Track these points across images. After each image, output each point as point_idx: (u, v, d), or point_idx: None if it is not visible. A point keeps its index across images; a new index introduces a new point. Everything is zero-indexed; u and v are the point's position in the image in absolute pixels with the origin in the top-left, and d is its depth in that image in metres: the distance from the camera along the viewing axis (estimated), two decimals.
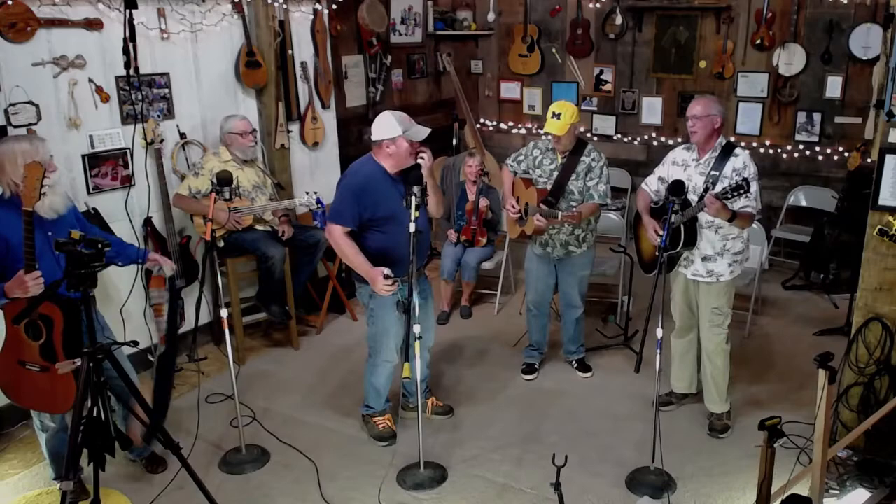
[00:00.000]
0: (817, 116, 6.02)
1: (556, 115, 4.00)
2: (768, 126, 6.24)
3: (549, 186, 4.13)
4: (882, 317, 3.46)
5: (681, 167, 3.77)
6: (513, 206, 4.24)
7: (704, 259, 3.72)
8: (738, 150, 3.62)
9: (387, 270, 3.42)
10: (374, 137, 3.52)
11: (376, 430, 3.91)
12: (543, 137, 4.25)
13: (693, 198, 3.61)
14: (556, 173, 4.14)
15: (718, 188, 3.52)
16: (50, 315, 2.94)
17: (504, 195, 4.40)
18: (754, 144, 6.23)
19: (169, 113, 4.62)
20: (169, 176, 4.57)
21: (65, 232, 2.85)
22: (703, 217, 3.61)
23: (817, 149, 6.06)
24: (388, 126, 3.46)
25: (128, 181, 4.39)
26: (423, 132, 3.50)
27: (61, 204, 3.13)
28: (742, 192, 3.33)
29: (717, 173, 3.58)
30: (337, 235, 3.53)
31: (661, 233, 3.49)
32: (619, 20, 6.66)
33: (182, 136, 4.71)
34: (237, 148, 4.59)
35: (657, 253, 3.49)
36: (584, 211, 3.99)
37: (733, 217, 3.44)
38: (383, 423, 3.92)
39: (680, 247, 3.63)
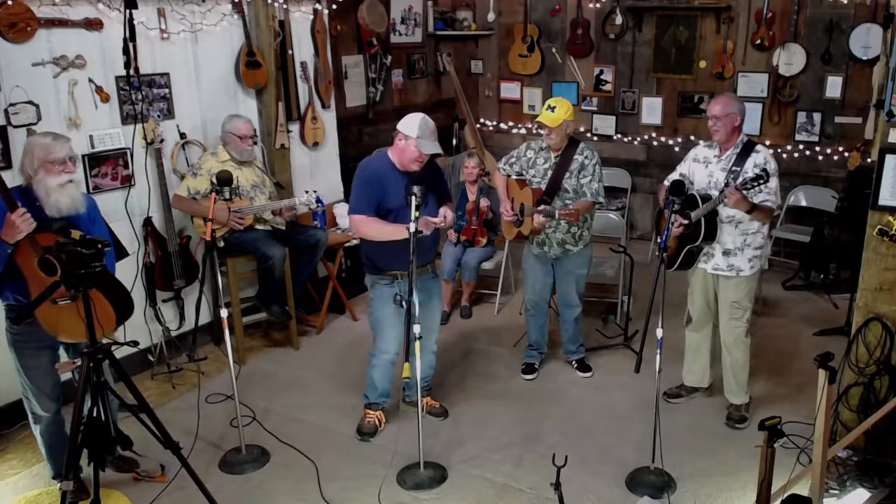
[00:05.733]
0: (817, 116, 6.02)
1: (551, 108, 4.04)
2: (768, 126, 6.23)
3: (543, 186, 4.14)
4: (882, 317, 3.46)
5: (702, 164, 3.84)
6: (507, 211, 4.26)
7: (725, 253, 3.77)
8: (759, 147, 3.70)
9: (412, 227, 3.32)
10: (398, 126, 3.63)
11: (361, 422, 3.96)
12: (540, 140, 4.25)
13: (714, 193, 3.65)
14: (550, 172, 4.15)
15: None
16: (52, 245, 2.92)
17: (500, 198, 4.42)
18: None
19: (169, 113, 4.62)
20: (169, 176, 4.57)
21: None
22: (724, 212, 3.68)
23: (817, 149, 6.06)
24: (410, 124, 3.57)
25: (128, 181, 4.39)
26: (431, 148, 3.55)
27: (66, 206, 3.08)
28: (762, 181, 3.37)
29: (739, 169, 3.64)
30: (359, 221, 3.60)
31: (683, 221, 3.56)
32: (619, 20, 6.65)
33: (182, 136, 4.70)
34: (234, 149, 4.59)
35: (677, 247, 3.58)
36: (579, 208, 4.01)
37: (752, 209, 3.49)
38: (370, 418, 3.96)
39: (700, 240, 3.68)
